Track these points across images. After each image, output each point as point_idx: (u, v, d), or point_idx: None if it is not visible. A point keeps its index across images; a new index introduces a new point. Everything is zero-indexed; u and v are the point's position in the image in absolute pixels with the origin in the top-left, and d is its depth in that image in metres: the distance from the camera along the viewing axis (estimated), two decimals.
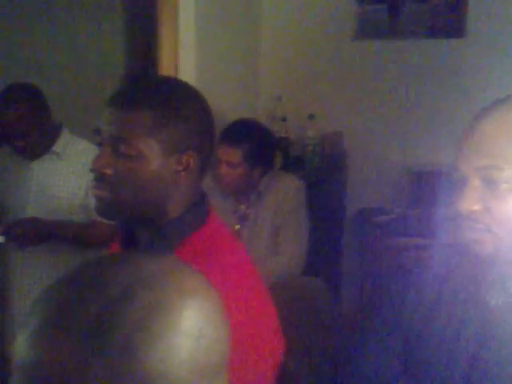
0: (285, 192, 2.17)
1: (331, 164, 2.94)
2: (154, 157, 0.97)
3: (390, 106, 3.09)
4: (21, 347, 0.56)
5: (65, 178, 2.00)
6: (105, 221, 1.94)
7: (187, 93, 1.03)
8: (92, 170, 1.00)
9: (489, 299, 0.98)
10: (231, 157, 2.06)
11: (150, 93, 0.98)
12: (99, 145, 1.01)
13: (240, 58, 2.80)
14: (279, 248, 2.15)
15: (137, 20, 2.86)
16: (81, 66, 2.69)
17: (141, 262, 0.61)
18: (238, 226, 2.17)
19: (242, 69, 2.83)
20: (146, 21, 2.59)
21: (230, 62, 2.67)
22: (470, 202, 0.92)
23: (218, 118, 2.24)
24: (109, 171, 0.97)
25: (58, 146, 2.01)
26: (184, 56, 2.37)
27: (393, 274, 1.30)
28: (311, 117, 2.80)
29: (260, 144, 2.12)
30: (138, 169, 0.97)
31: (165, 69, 2.35)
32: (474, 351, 0.99)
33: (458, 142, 0.97)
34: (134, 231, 1.06)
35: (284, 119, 2.75)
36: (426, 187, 3.08)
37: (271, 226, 2.16)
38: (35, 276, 2.03)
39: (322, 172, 2.81)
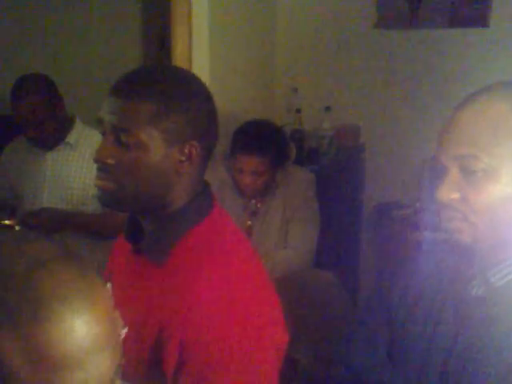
0: (295, 185, 2.15)
1: (347, 157, 2.89)
2: (156, 147, 0.96)
3: (410, 98, 3.02)
4: None
5: (78, 169, 2.02)
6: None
7: (190, 82, 1.01)
8: (95, 161, 0.99)
9: (469, 289, 0.99)
10: (257, 166, 2.03)
11: (152, 82, 0.97)
12: (102, 134, 1.00)
13: (255, 48, 2.77)
14: (288, 241, 2.13)
15: (152, 12, 2.86)
16: (95, 58, 2.70)
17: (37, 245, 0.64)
18: (249, 222, 2.16)
19: (257, 60, 2.80)
20: (161, 13, 2.59)
21: (244, 53, 2.65)
22: (449, 190, 0.93)
23: (232, 110, 2.23)
24: (111, 161, 0.97)
25: (71, 137, 2.02)
26: (198, 47, 2.36)
27: (384, 276, 1.29)
28: (328, 109, 2.76)
29: (281, 146, 2.11)
30: (139, 159, 0.96)
31: (178, 63, 2.34)
32: (452, 340, 0.99)
33: (439, 132, 0.98)
34: (140, 222, 1.05)
35: (299, 111, 2.72)
36: None
37: (281, 220, 2.15)
38: None
39: (337, 165, 2.77)
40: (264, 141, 2.04)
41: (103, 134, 0.99)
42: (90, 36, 2.77)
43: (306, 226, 2.13)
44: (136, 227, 1.06)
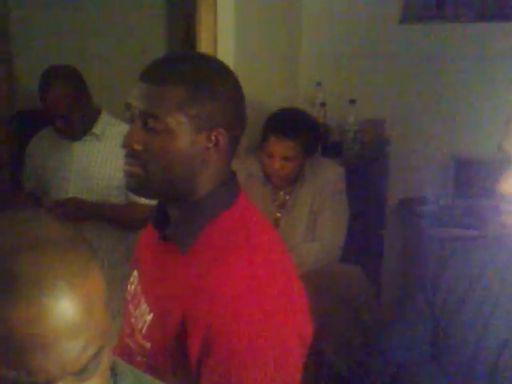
0: (324, 178, 2.13)
1: (372, 152, 2.87)
2: (184, 133, 0.96)
3: (436, 92, 2.99)
4: None
5: (103, 160, 2.04)
6: (143, 201, 1.99)
7: (219, 69, 1.01)
8: (123, 146, 1.00)
9: None
10: (288, 151, 2.03)
11: (181, 68, 0.97)
12: (130, 121, 1.00)
13: (280, 42, 2.76)
14: (315, 234, 2.12)
15: (177, 3, 2.86)
16: (120, 50, 2.72)
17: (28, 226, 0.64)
18: (278, 214, 2.15)
19: (281, 54, 2.79)
20: (186, 4, 2.59)
21: (269, 47, 2.64)
22: None
23: (257, 104, 2.23)
24: (138, 147, 0.97)
25: (97, 128, 2.04)
26: (223, 40, 2.35)
27: (429, 261, 1.28)
28: (352, 102, 2.74)
29: (314, 134, 2.11)
30: (167, 145, 0.96)
31: None
32: (504, 338, 0.98)
33: (506, 121, 0.94)
34: (166, 209, 1.06)
35: (323, 104, 2.70)
36: (472, 177, 2.98)
37: (309, 213, 2.13)
38: None
39: (361, 160, 2.75)
40: (296, 125, 2.05)
41: (131, 120, 1.00)
42: (115, 29, 2.79)
43: (334, 219, 2.12)
44: (163, 214, 1.07)
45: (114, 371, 0.73)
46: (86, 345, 0.60)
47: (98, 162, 2.04)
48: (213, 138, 0.97)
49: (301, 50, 2.87)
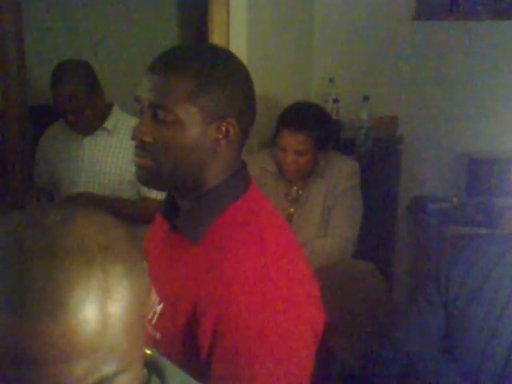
0: (338, 173, 2.12)
1: (384, 149, 2.85)
2: (193, 124, 0.95)
3: (450, 90, 2.97)
4: None
5: (115, 155, 2.04)
6: (154, 196, 1.99)
7: (228, 59, 1.00)
8: (132, 138, 0.99)
9: None
10: (300, 144, 2.02)
11: (190, 58, 0.96)
12: (139, 113, 1.00)
13: (292, 39, 2.75)
14: (329, 229, 2.10)
15: (189, 2, 2.86)
16: (132, 46, 2.72)
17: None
18: (291, 210, 2.14)
19: (294, 50, 2.78)
20: (199, 3, 2.59)
21: (282, 44, 2.63)
22: None
23: (269, 100, 2.21)
24: (148, 139, 0.96)
25: (108, 123, 2.04)
26: (235, 36, 2.35)
27: (443, 255, 1.28)
28: (366, 99, 2.72)
29: (326, 128, 2.10)
30: (177, 136, 0.95)
31: None
32: None
33: None
34: (176, 199, 1.05)
35: (336, 100, 2.69)
36: (485, 175, 2.96)
37: (322, 208, 2.12)
38: None
39: (374, 157, 2.74)
40: (309, 119, 2.04)
41: (140, 112, 0.99)
42: (127, 24, 2.79)
43: (348, 214, 2.10)
44: (173, 205, 1.06)
45: (160, 373, 0.67)
46: (91, 368, 0.55)
47: (110, 157, 2.04)
48: (223, 128, 0.97)
49: (313, 47, 2.85)
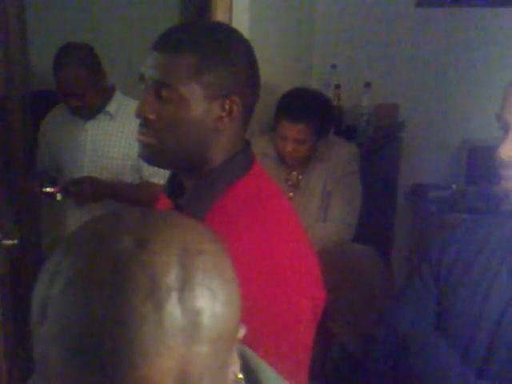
0: (338, 158, 2.13)
1: (385, 135, 2.86)
2: (197, 101, 0.95)
3: (451, 78, 2.97)
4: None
5: (117, 139, 2.04)
6: (157, 180, 2.00)
7: (232, 36, 1.00)
8: (136, 116, 1.00)
9: None
10: (300, 134, 2.03)
11: (193, 36, 0.97)
12: (144, 91, 1.00)
13: (294, 25, 2.74)
14: (328, 213, 2.12)
15: None
16: (132, 28, 2.71)
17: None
18: (291, 194, 2.15)
19: (295, 37, 2.77)
20: None
21: (283, 30, 2.62)
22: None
23: (270, 86, 2.21)
24: (152, 116, 0.97)
25: (111, 107, 2.04)
26: (237, 24, 2.34)
27: (436, 235, 1.30)
28: (367, 85, 2.72)
29: (326, 115, 2.10)
30: (180, 113, 0.96)
31: None
32: (502, 309, 1.00)
33: (504, 90, 1.01)
34: (180, 179, 1.06)
35: (338, 86, 2.69)
36: (485, 162, 2.96)
37: (322, 193, 2.13)
38: None
39: (375, 143, 2.74)
40: (307, 108, 2.04)
41: (144, 89, 1.00)
42: (128, 6, 2.78)
43: (347, 198, 2.12)
44: (177, 184, 1.07)
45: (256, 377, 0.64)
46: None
47: (112, 141, 2.04)
48: (226, 106, 0.97)
49: (315, 33, 2.85)
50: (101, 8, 2.77)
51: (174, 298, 0.50)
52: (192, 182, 1.03)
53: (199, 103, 0.95)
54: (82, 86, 1.93)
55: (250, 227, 0.94)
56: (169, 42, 0.96)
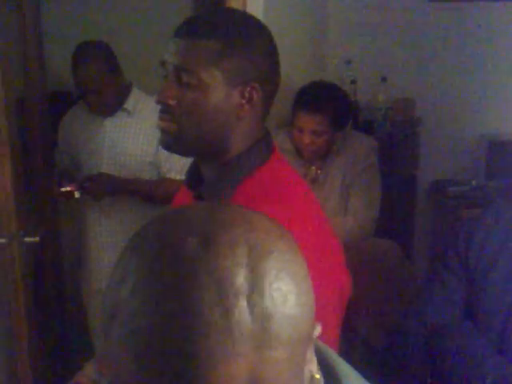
0: (357, 151, 2.12)
1: (402, 131, 2.83)
2: (217, 87, 0.95)
3: (468, 72, 2.94)
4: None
5: (135, 135, 2.04)
6: (174, 176, 1.99)
7: (253, 24, 1.00)
8: (157, 102, 1.00)
9: None
10: (317, 125, 2.03)
11: (215, 22, 0.97)
12: (164, 77, 1.00)
13: (308, 21, 2.73)
14: (348, 208, 2.10)
15: None
16: (150, 30, 2.73)
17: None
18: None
19: (309, 32, 2.76)
20: None
21: (297, 25, 2.61)
22: None
23: (284, 82, 2.20)
24: (173, 102, 0.97)
25: (128, 104, 2.05)
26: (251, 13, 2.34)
27: (460, 229, 1.27)
28: (384, 79, 2.71)
29: (343, 108, 2.10)
30: (200, 99, 0.95)
31: None
32: None
33: None
34: (200, 168, 1.06)
35: (354, 82, 2.67)
36: (505, 157, 2.93)
37: (341, 187, 2.12)
38: (113, 232, 2.09)
39: (392, 138, 2.72)
40: (324, 100, 2.04)
41: (165, 76, 1.00)
42: (146, 10, 2.80)
43: (367, 192, 2.10)
44: (197, 174, 1.07)
45: (334, 376, 0.61)
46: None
47: (130, 138, 2.05)
48: (246, 94, 0.97)
49: (330, 28, 2.83)
50: (116, 8, 2.78)
51: (242, 303, 0.47)
52: (212, 170, 1.02)
53: (219, 89, 0.95)
54: (100, 82, 1.94)
55: (272, 215, 0.93)
56: (190, 28, 0.96)
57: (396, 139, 2.76)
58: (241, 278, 0.47)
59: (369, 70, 2.81)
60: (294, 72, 2.49)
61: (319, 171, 2.14)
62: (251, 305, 0.47)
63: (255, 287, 0.48)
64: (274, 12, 2.43)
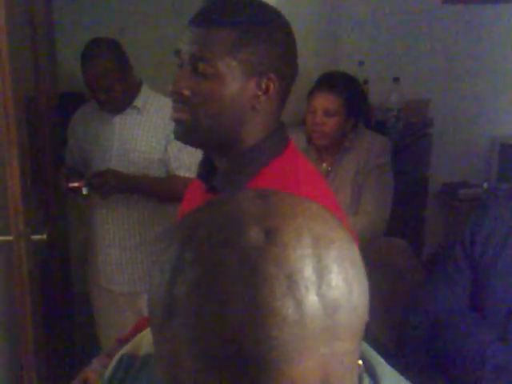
0: (368, 150, 2.10)
1: (414, 132, 2.81)
2: (233, 78, 0.93)
3: (481, 74, 2.92)
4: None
5: (144, 133, 2.04)
6: (183, 174, 1.98)
7: (271, 14, 0.99)
8: (170, 93, 0.98)
9: None
10: (330, 104, 2.04)
11: (232, 11, 0.95)
12: (179, 67, 0.98)
13: (320, 21, 2.72)
14: (360, 207, 2.07)
15: None
16: (161, 22, 2.73)
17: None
18: None
19: (321, 34, 2.74)
20: None
21: (308, 27, 2.60)
22: None
23: (296, 84, 2.19)
24: (187, 92, 0.95)
25: (138, 102, 2.04)
26: None
27: (466, 223, 1.27)
28: (396, 80, 2.68)
29: (357, 93, 2.13)
30: (215, 89, 0.94)
31: None
32: None
33: None
34: (213, 160, 1.04)
35: (366, 82, 2.65)
36: None
37: (352, 184, 2.09)
38: (120, 230, 2.07)
39: (404, 139, 2.70)
40: (338, 80, 2.09)
41: (180, 66, 0.98)
42: (154, 6, 2.80)
43: (379, 191, 2.08)
44: (210, 166, 1.05)
45: (372, 373, 0.60)
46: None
47: (140, 135, 2.04)
48: (263, 85, 0.95)
49: (342, 29, 2.82)
50: (128, 7, 2.79)
51: (313, 295, 0.45)
52: (225, 162, 1.01)
53: (235, 79, 0.93)
54: (110, 78, 1.93)
55: None
56: (206, 17, 0.95)
57: (408, 140, 2.73)
58: (309, 270, 0.46)
59: (381, 71, 2.79)
60: (307, 73, 2.48)
61: (330, 168, 2.12)
62: (321, 296, 0.46)
63: (323, 278, 0.46)
64: (286, 12, 2.42)
